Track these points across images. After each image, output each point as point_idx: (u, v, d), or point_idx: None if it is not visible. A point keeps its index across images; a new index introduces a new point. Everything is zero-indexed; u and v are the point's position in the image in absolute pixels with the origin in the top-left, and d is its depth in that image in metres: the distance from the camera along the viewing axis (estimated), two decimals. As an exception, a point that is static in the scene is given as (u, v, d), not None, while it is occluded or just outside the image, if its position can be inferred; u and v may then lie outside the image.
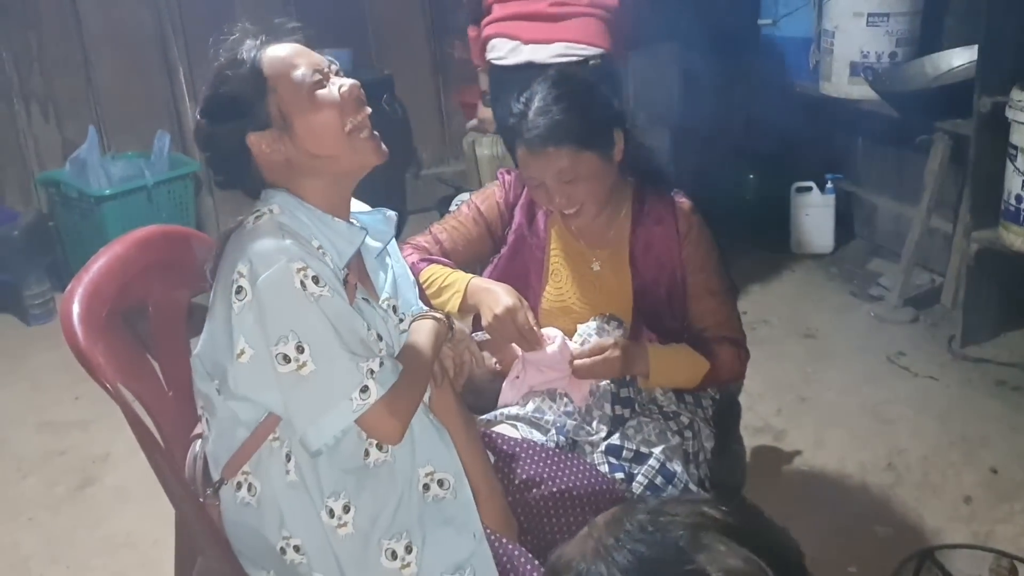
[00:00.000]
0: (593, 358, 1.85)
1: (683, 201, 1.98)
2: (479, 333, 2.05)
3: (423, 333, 1.59)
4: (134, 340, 1.71)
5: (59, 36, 4.17)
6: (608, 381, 1.91)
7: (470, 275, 1.93)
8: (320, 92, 1.49)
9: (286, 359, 1.40)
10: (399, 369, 1.48)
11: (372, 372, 1.43)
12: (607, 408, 1.88)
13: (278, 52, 1.50)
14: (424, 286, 1.88)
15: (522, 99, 1.85)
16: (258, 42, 1.50)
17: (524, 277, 2.01)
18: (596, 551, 0.89)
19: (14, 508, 2.75)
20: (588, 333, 1.93)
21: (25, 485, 2.86)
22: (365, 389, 1.42)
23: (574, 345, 1.90)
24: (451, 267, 1.96)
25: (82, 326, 1.53)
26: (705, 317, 1.96)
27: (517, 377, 1.93)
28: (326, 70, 1.51)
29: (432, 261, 1.96)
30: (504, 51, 3.04)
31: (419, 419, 1.58)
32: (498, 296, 1.85)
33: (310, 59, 1.51)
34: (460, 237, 2.02)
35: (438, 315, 1.62)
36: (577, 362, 1.86)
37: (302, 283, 1.40)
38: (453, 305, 1.88)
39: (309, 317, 1.40)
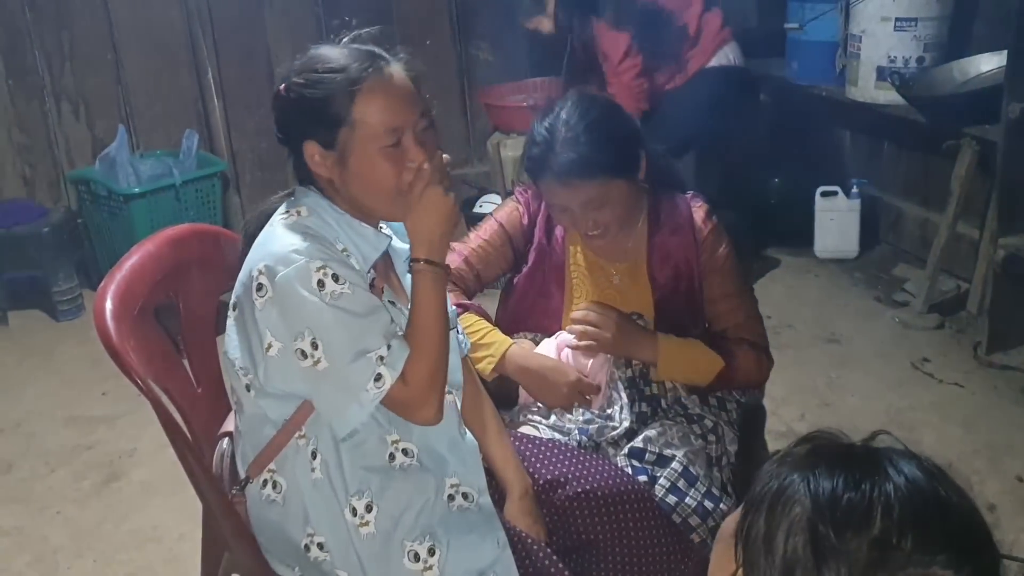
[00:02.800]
0: (588, 312, 1.87)
1: (699, 206, 1.97)
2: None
3: (423, 292, 1.51)
4: (164, 337, 1.74)
5: (90, 36, 4.21)
6: (628, 371, 1.90)
7: (508, 340, 1.91)
8: (391, 153, 1.46)
9: (304, 355, 1.43)
10: (407, 348, 1.47)
11: (382, 359, 1.44)
12: (623, 396, 1.88)
13: (380, 93, 1.45)
14: None
15: (545, 125, 1.82)
16: (368, 65, 1.45)
17: (545, 294, 2.01)
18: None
19: (42, 501, 2.79)
20: None
21: (53, 479, 2.89)
22: (379, 377, 1.43)
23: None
24: (484, 316, 1.96)
25: (114, 323, 1.55)
26: (722, 319, 1.96)
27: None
28: (412, 129, 1.47)
29: (466, 307, 1.94)
30: None
31: (447, 433, 1.60)
32: (556, 376, 1.87)
33: (405, 113, 1.47)
34: (490, 259, 2.01)
35: (432, 267, 1.51)
36: (574, 314, 1.88)
37: (320, 281, 1.41)
38: (485, 367, 1.87)
39: (324, 316, 1.41)
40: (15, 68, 4.15)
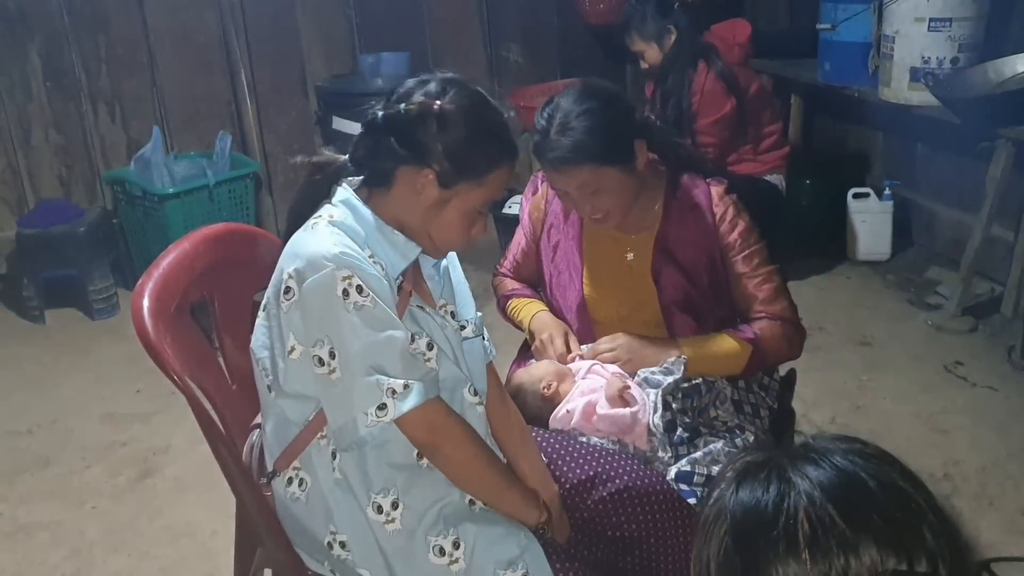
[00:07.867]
0: (601, 351, 1.96)
1: (718, 187, 1.98)
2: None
3: (519, 502, 1.61)
4: (200, 334, 1.76)
5: (126, 38, 4.28)
6: (667, 415, 1.84)
7: (537, 309, 2.11)
8: (475, 217, 1.58)
9: (320, 362, 1.44)
10: (427, 394, 1.47)
11: (394, 392, 1.43)
12: (666, 439, 1.83)
13: (509, 174, 1.58)
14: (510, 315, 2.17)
15: (545, 113, 1.86)
16: (518, 147, 1.59)
17: (569, 269, 2.05)
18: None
19: (79, 496, 2.83)
20: (650, 372, 1.90)
21: (89, 474, 2.94)
22: (383, 407, 1.44)
23: (640, 394, 1.87)
24: (527, 296, 2.16)
25: (152, 320, 1.58)
26: (747, 297, 1.96)
27: (567, 412, 1.88)
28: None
29: (509, 296, 2.18)
30: None
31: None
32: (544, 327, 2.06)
33: (501, 193, 1.64)
34: (530, 255, 2.17)
35: (544, 514, 1.63)
36: (588, 353, 1.98)
37: (344, 291, 1.42)
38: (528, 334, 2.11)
39: (343, 326, 1.42)
40: (52, 70, 4.22)
